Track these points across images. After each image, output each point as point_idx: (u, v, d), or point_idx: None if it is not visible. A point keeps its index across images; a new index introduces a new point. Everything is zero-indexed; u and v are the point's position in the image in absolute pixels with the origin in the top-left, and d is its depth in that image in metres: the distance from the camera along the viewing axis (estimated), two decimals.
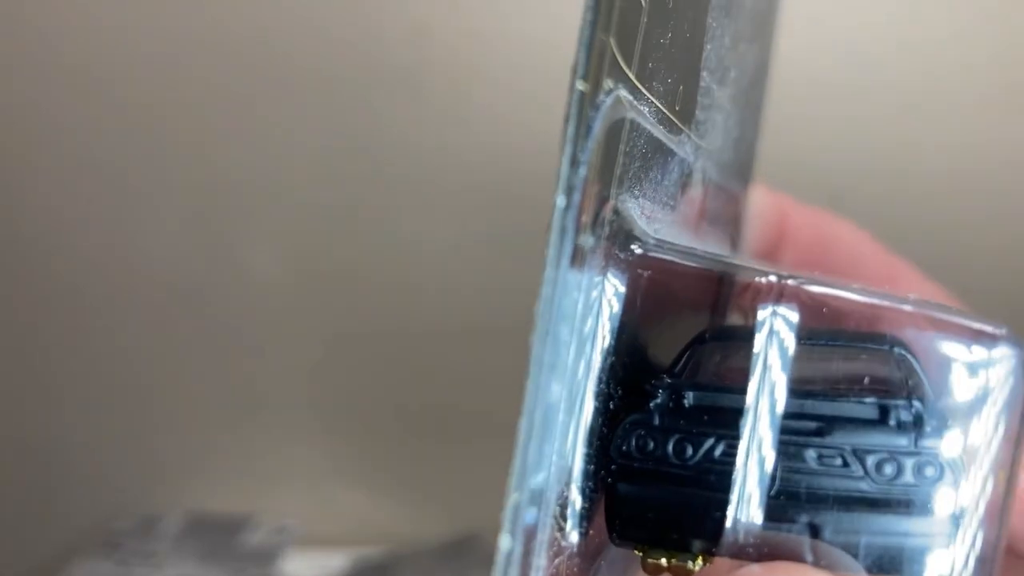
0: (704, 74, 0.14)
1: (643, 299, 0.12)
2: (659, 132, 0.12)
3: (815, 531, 0.11)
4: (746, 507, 0.11)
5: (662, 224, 0.13)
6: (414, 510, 0.44)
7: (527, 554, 0.10)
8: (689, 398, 0.12)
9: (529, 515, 0.10)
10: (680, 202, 0.14)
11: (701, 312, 0.12)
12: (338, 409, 0.45)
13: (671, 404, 0.12)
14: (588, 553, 0.12)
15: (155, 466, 0.46)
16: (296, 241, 0.44)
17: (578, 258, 0.10)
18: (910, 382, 0.11)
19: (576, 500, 0.11)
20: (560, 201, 0.09)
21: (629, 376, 0.12)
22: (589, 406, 0.11)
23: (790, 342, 0.11)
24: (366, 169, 0.42)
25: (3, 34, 0.42)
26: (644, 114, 0.11)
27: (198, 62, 0.42)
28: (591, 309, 0.11)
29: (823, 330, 0.12)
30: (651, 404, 0.12)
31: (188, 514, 0.45)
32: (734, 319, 0.12)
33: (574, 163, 0.09)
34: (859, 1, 0.40)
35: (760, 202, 0.23)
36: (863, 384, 0.12)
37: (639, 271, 0.11)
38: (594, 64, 0.09)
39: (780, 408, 0.11)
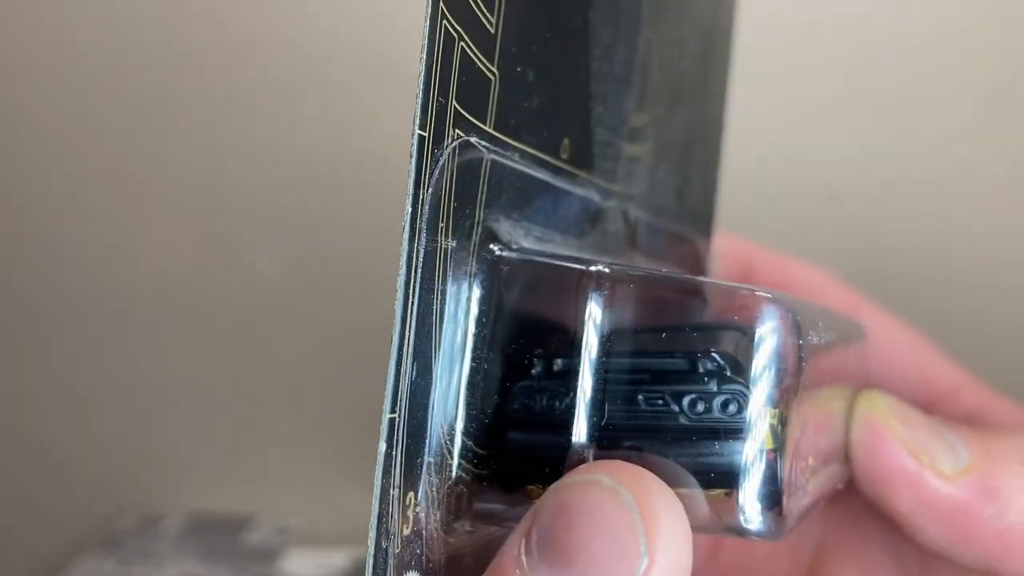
0: (599, 130, 0.17)
1: (510, 289, 0.15)
2: (541, 173, 0.16)
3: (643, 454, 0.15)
4: (586, 438, 0.15)
5: (560, 246, 0.17)
6: None
7: (413, 467, 0.13)
8: (558, 364, 0.15)
9: (418, 443, 0.13)
10: (591, 233, 0.18)
11: (566, 298, 0.15)
12: (339, 409, 0.45)
13: (546, 370, 0.15)
14: (493, 496, 0.15)
15: (155, 466, 0.46)
16: (296, 241, 0.44)
17: (441, 255, 0.14)
18: (731, 343, 0.15)
19: (458, 437, 0.14)
20: (408, 210, 0.13)
21: (513, 350, 0.15)
22: (467, 366, 0.15)
23: (602, 314, 0.15)
24: (366, 169, 0.42)
25: (3, 34, 0.42)
26: (512, 158, 0.15)
27: (198, 62, 0.42)
28: (463, 294, 0.14)
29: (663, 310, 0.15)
30: (532, 371, 0.15)
31: (189, 513, 0.45)
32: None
33: (418, 184, 0.13)
34: (859, 1, 0.39)
35: (725, 246, 0.25)
36: (689, 346, 0.15)
37: (501, 267, 0.15)
38: (432, 117, 0.13)
39: (598, 364, 0.15)
